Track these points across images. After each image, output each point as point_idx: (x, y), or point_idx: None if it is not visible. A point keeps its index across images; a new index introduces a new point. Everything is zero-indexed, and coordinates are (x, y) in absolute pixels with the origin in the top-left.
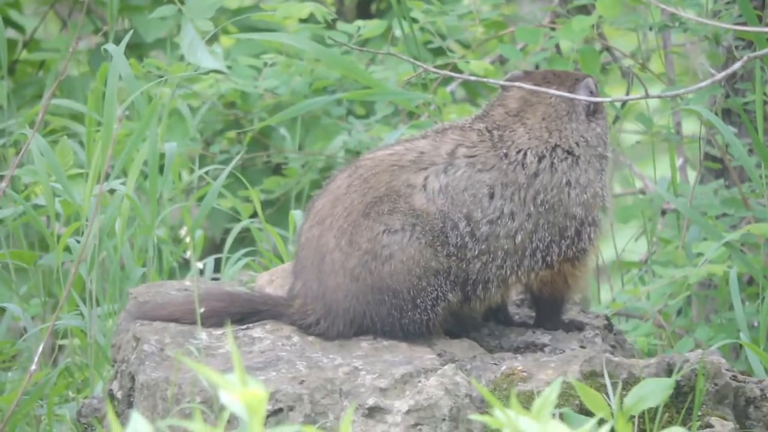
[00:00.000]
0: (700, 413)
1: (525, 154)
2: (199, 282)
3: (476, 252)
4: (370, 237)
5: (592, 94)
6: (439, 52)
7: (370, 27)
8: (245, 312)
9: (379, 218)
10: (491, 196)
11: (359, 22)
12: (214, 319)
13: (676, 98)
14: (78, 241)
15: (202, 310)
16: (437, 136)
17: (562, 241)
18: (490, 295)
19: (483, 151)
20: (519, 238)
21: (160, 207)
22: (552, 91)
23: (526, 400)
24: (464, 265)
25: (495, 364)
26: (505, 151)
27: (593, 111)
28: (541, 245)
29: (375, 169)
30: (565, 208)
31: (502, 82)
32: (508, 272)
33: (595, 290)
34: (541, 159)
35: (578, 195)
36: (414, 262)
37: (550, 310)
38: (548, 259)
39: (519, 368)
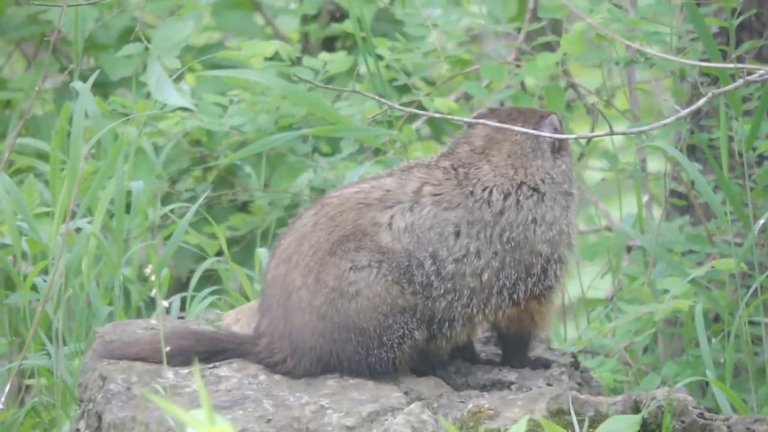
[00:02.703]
0: None
1: (491, 191)
2: (165, 321)
3: (442, 291)
4: (336, 274)
5: (556, 130)
6: (404, 89)
7: (336, 62)
8: (211, 351)
9: (346, 255)
10: (457, 234)
11: (325, 56)
12: (180, 357)
13: (641, 135)
14: (44, 280)
15: (168, 349)
16: (403, 174)
17: (528, 279)
18: (456, 333)
19: (449, 189)
20: (485, 276)
21: (126, 245)
22: (517, 128)
23: None
24: (430, 304)
25: (462, 402)
26: (470, 188)
27: (558, 148)
28: (507, 283)
29: (341, 207)
30: (531, 245)
31: (467, 120)
32: (475, 310)
33: (560, 328)
34: (506, 196)
35: (544, 232)
36: (380, 299)
37: (516, 348)
38: (515, 296)
39: (486, 406)
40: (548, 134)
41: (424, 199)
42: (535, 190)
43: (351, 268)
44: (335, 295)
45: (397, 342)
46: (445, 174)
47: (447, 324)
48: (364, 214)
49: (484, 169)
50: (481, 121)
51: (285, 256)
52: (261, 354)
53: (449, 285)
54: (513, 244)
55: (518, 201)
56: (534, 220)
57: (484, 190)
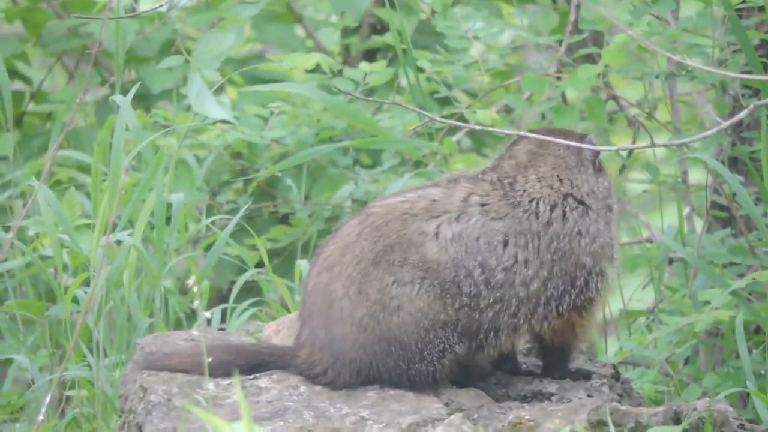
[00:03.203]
0: None
1: (537, 203)
2: (206, 332)
3: (491, 300)
4: (379, 288)
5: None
6: (445, 101)
7: (377, 74)
8: (252, 364)
9: (389, 269)
10: (505, 244)
11: (365, 66)
12: (220, 371)
13: (682, 147)
14: (85, 292)
15: (209, 361)
16: (449, 184)
17: (573, 290)
18: (501, 343)
19: (495, 200)
20: (534, 285)
21: (166, 257)
22: (560, 141)
23: None
24: (476, 315)
25: (502, 413)
26: (518, 199)
27: (599, 168)
28: (555, 293)
29: (386, 216)
30: (576, 256)
31: (508, 131)
32: (521, 320)
33: (601, 339)
34: (553, 208)
35: (588, 245)
36: (422, 314)
37: (557, 359)
38: (560, 307)
39: (526, 417)
40: (589, 146)
41: (472, 208)
42: (581, 202)
43: (394, 282)
44: (377, 308)
45: (438, 356)
46: (491, 185)
47: (492, 334)
48: (410, 224)
49: (531, 180)
50: (524, 133)
51: (327, 264)
52: (302, 366)
53: (498, 294)
54: (560, 254)
55: (564, 213)
56: (579, 233)
57: (531, 201)
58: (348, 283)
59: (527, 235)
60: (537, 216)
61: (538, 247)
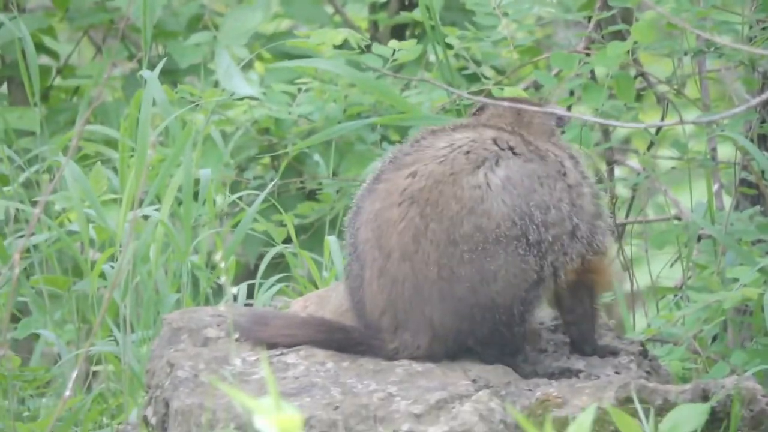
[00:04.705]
0: None
1: (549, 153)
2: (233, 308)
3: (549, 240)
4: (470, 264)
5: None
6: (473, 78)
7: (406, 51)
8: (343, 345)
9: (470, 245)
10: (541, 185)
11: (394, 44)
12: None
13: (711, 124)
14: (112, 267)
15: (305, 338)
16: (464, 129)
17: (595, 229)
18: (558, 285)
19: (521, 145)
20: (574, 220)
21: (194, 233)
22: (537, 108)
23: (561, 426)
24: (542, 262)
25: (529, 390)
26: (535, 149)
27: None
28: (585, 228)
29: (437, 187)
30: (585, 200)
31: (534, 108)
32: (570, 258)
33: (627, 316)
34: (566, 158)
35: (589, 193)
36: (519, 277)
37: (586, 331)
38: (593, 243)
39: (554, 394)
40: (616, 123)
41: (504, 152)
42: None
43: (482, 257)
44: (475, 281)
45: (528, 315)
46: (508, 133)
47: (553, 279)
48: (459, 182)
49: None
50: (547, 109)
51: (404, 253)
52: (398, 348)
53: (554, 232)
54: (575, 195)
55: (570, 163)
56: (583, 180)
57: (546, 150)
58: (436, 267)
59: (552, 178)
60: (548, 161)
61: (563, 188)
